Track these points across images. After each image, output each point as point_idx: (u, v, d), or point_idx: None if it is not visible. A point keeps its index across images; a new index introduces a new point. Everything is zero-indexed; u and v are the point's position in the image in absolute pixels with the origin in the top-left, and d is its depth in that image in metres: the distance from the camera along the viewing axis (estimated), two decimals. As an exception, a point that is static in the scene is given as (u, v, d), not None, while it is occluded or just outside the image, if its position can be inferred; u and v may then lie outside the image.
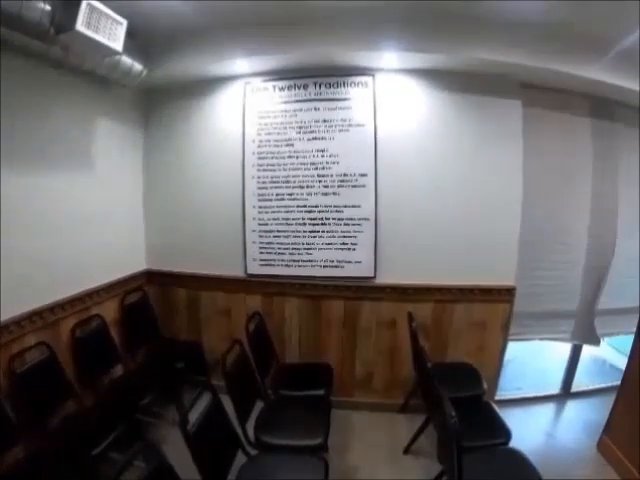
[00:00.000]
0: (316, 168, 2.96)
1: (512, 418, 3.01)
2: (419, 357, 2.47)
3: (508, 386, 3.29)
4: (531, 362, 3.79)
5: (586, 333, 3.16)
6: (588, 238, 3.08)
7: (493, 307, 2.86)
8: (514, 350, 3.36)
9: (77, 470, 1.77)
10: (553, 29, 2.38)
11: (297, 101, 2.94)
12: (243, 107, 2.97)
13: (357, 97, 2.88)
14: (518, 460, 1.94)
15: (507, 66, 2.51)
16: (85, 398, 2.39)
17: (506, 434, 2.14)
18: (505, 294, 2.85)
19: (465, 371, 2.73)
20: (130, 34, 2.20)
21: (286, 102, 2.94)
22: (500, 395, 3.18)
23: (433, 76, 2.74)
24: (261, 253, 3.08)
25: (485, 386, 2.57)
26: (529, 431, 2.95)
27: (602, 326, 3.17)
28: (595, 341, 3.18)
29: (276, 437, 2.07)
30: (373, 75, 2.83)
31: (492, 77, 2.70)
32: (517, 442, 2.66)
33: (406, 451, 2.64)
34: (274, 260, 3.06)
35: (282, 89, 2.95)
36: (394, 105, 2.81)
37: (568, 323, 3.14)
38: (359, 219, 2.92)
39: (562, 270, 3.10)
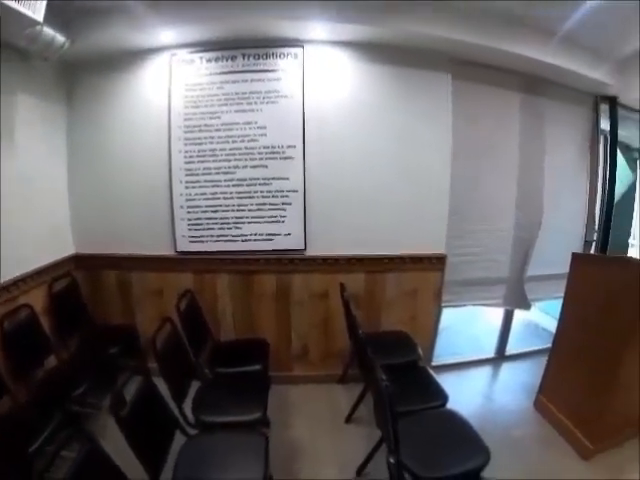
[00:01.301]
0: (243, 141, 2.86)
1: (450, 383, 3.05)
2: (352, 327, 2.46)
3: (444, 352, 3.33)
4: (466, 328, 3.86)
5: (517, 298, 3.23)
6: (516, 207, 3.14)
7: (424, 275, 2.87)
8: (450, 317, 3.40)
9: (14, 469, 1.64)
10: (487, 5, 2.37)
11: (224, 73, 2.82)
12: (169, 80, 2.81)
13: (286, 69, 2.78)
14: (455, 420, 1.97)
15: (437, 40, 2.50)
16: (19, 393, 2.22)
17: (443, 397, 2.18)
18: (436, 262, 2.87)
19: (399, 339, 2.75)
20: (51, 4, 2.03)
21: (213, 74, 2.81)
22: (437, 361, 3.23)
23: (364, 49, 2.68)
24: (190, 230, 2.97)
25: (420, 352, 2.59)
26: (467, 394, 3.02)
27: (532, 291, 3.23)
28: (526, 306, 3.25)
29: (214, 415, 2.02)
30: (302, 46, 2.73)
31: (423, 51, 2.68)
32: (456, 405, 2.71)
33: (347, 420, 2.65)
34: (203, 236, 2.96)
35: (209, 61, 2.82)
36: (324, 77, 2.73)
37: (499, 289, 3.20)
38: (288, 191, 2.85)
39: (492, 238, 3.14)
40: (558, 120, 3.28)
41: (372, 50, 2.68)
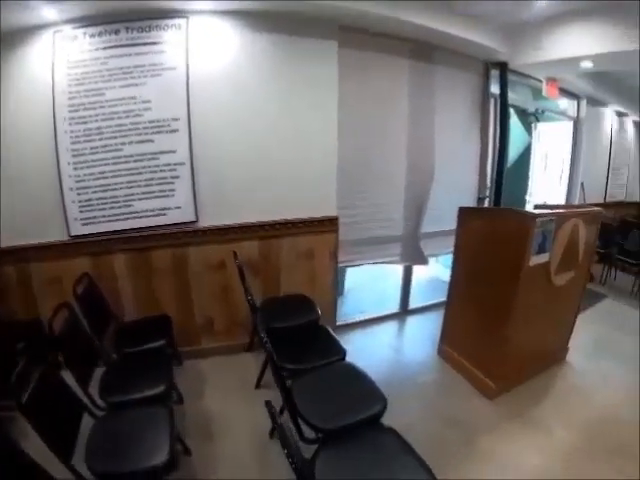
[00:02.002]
0: (128, 116, 2.78)
1: (358, 339, 3.18)
2: (247, 293, 2.48)
3: (352, 311, 3.41)
4: (372, 287, 3.97)
5: (414, 255, 3.36)
6: (408, 167, 3.25)
7: (319, 238, 2.94)
8: (356, 278, 3.49)
9: None
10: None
11: (108, 48, 2.72)
12: (52, 58, 2.69)
13: (170, 40, 2.72)
14: (352, 372, 2.04)
15: (323, 7, 2.51)
16: None
17: (341, 352, 2.24)
18: (328, 224, 2.94)
19: (299, 301, 2.80)
20: None
21: (97, 49, 2.71)
22: (344, 320, 3.31)
23: (249, 18, 2.66)
24: (81, 212, 2.88)
25: (319, 312, 2.65)
26: (375, 348, 3.16)
27: (428, 247, 3.37)
28: (423, 261, 3.38)
29: (120, 394, 1.99)
30: (187, 17, 2.67)
31: (309, 19, 2.70)
32: (365, 359, 2.79)
33: (257, 386, 2.69)
34: (96, 217, 2.88)
35: (93, 36, 2.71)
36: (208, 48, 2.69)
37: (396, 247, 3.30)
38: (175, 164, 2.82)
39: (386, 198, 3.26)
40: (449, 85, 3.43)
41: (257, 19, 2.67)
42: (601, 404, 2.81)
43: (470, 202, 3.75)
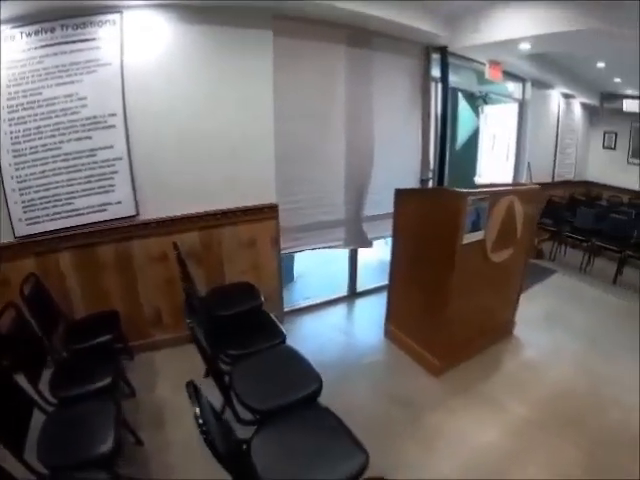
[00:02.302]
0: (66, 114, 2.80)
1: (308, 323, 3.26)
2: (184, 281, 2.52)
3: (302, 296, 3.56)
4: (323, 272, 4.06)
5: (357, 238, 3.45)
6: (347, 154, 3.33)
7: (259, 226, 3.01)
8: (307, 263, 3.56)
9: None
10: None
11: (44, 46, 2.72)
12: None
13: (105, 36, 2.74)
14: (290, 355, 2.10)
15: None
16: None
17: (281, 335, 2.31)
18: (269, 212, 3.01)
19: (242, 288, 2.85)
20: None
21: (33, 48, 2.72)
22: (293, 305, 3.40)
23: (181, 10, 2.69)
24: (25, 212, 2.90)
25: (262, 298, 2.70)
26: (324, 332, 3.25)
27: (372, 230, 3.46)
28: (367, 244, 3.48)
29: (69, 389, 2.04)
30: (121, 12, 2.70)
31: (243, 9, 2.74)
32: (314, 343, 2.98)
33: (206, 375, 2.70)
34: (39, 217, 2.90)
35: (29, 35, 2.71)
36: (143, 42, 2.72)
37: (339, 231, 3.39)
38: (113, 160, 2.85)
39: (327, 183, 3.33)
40: (389, 70, 3.51)
41: (190, 11, 2.70)
42: (550, 377, 2.92)
43: (413, 184, 3.85)
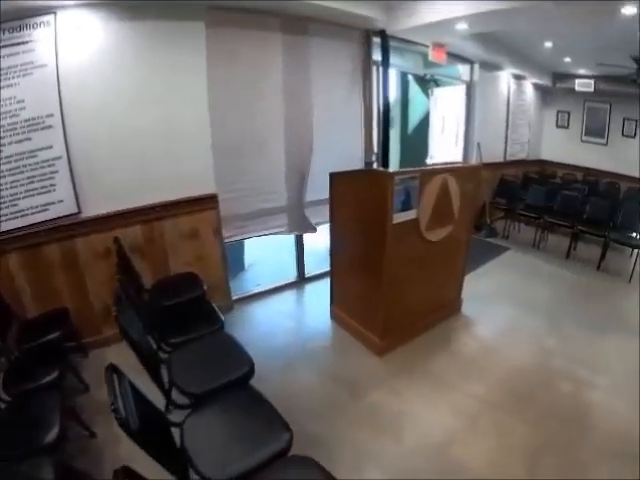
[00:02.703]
0: (5, 117, 2.85)
1: (258, 310, 3.35)
2: (118, 273, 2.60)
3: (254, 284, 3.68)
4: (275, 259, 4.14)
5: (301, 224, 3.54)
6: (286, 141, 3.40)
7: (200, 216, 3.09)
8: (259, 251, 3.63)
9: None
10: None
11: None
12: None
13: (39, 38, 2.78)
14: (226, 340, 2.21)
15: None
16: None
17: (219, 322, 2.41)
18: (209, 202, 3.09)
19: (186, 279, 2.92)
20: None
21: None
22: (243, 293, 3.54)
23: (114, 8, 2.74)
24: (-30, 216, 2.95)
25: (205, 287, 2.79)
26: (274, 318, 3.34)
27: (316, 215, 3.54)
28: (311, 229, 3.56)
29: (20, 385, 2.14)
30: (55, 13, 2.75)
31: (176, 3, 2.79)
32: (264, 329, 3.10)
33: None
34: (-15, 220, 2.95)
35: None
36: (77, 41, 2.77)
37: (282, 218, 3.47)
38: (53, 159, 2.91)
39: (267, 171, 3.40)
40: (328, 56, 3.57)
41: (123, 9, 2.75)
42: (499, 353, 3.00)
43: (358, 168, 3.93)
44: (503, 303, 3.70)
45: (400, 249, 2.72)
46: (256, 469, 1.37)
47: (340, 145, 3.77)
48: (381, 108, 3.98)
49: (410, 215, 2.71)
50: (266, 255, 4.23)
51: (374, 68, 3.97)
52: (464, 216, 3.18)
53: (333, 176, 3.03)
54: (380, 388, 2.57)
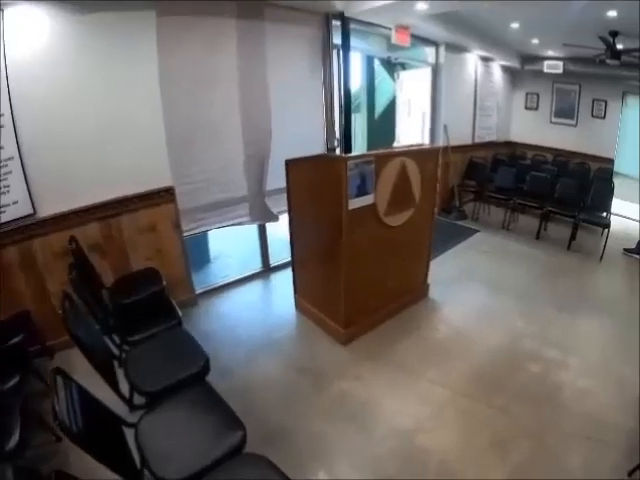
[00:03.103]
0: None
1: (223, 302, 3.35)
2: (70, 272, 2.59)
3: (220, 276, 3.68)
4: (242, 250, 4.15)
5: (262, 213, 3.52)
6: (244, 130, 3.35)
7: (158, 210, 3.07)
8: (224, 244, 3.61)
9: None
10: None
11: None
12: None
13: None
14: (182, 335, 2.20)
15: None
16: None
17: (177, 317, 2.40)
18: (165, 195, 3.06)
19: (145, 275, 2.90)
20: None
21: None
22: (209, 285, 3.56)
23: (62, 2, 2.66)
24: None
25: (164, 282, 2.76)
26: (239, 309, 3.35)
27: (280, 204, 3.49)
28: (273, 218, 3.56)
29: None
30: (1, 10, 2.68)
31: None
32: (229, 321, 3.07)
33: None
34: (-57, 226, 2.91)
35: None
36: (25, 37, 2.69)
37: (243, 208, 3.46)
38: (5, 160, 2.86)
39: (225, 161, 3.33)
40: (285, 40, 3.51)
41: (70, 2, 2.68)
42: (467, 336, 2.99)
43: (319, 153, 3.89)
44: (472, 286, 3.72)
45: (359, 235, 2.70)
46: (210, 467, 1.37)
47: (301, 131, 3.73)
48: (342, 92, 3.92)
49: (367, 200, 2.67)
50: (233, 246, 4.22)
51: (335, 52, 3.91)
52: (426, 199, 3.17)
53: (288, 163, 2.99)
54: (345, 378, 2.56)
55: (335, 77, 3.94)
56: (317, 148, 3.94)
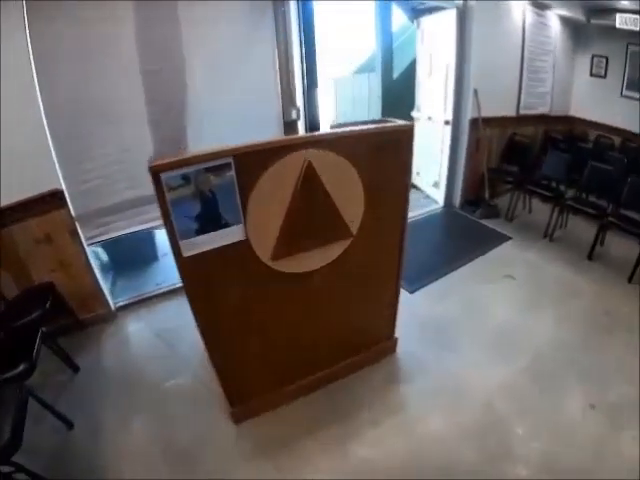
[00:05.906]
0: None
1: (143, 319, 2.96)
2: None
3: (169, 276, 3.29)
4: None
5: None
6: (150, 113, 2.79)
7: (49, 218, 2.59)
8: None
9: None
10: None
11: None
12: None
13: None
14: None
15: None
16: None
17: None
18: (51, 200, 2.57)
19: (33, 294, 2.56)
20: None
21: None
22: (132, 298, 3.17)
23: None
24: None
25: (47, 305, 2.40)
26: (146, 335, 2.90)
27: None
28: None
29: None
30: None
31: None
32: (125, 355, 2.68)
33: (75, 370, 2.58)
34: None
35: None
36: None
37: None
38: None
39: (127, 153, 2.78)
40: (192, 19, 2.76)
41: None
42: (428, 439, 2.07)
43: (274, 130, 3.21)
44: (471, 347, 2.56)
45: (235, 295, 1.79)
46: None
47: (245, 105, 3.00)
48: (304, 51, 3.05)
49: (227, 238, 1.62)
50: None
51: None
52: (382, 215, 1.98)
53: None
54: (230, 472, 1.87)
55: (294, 32, 3.05)
56: (270, 122, 3.21)
